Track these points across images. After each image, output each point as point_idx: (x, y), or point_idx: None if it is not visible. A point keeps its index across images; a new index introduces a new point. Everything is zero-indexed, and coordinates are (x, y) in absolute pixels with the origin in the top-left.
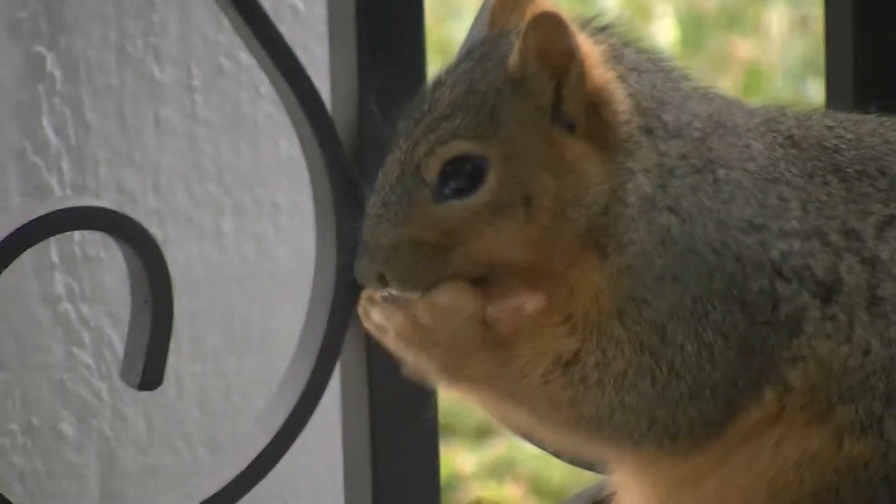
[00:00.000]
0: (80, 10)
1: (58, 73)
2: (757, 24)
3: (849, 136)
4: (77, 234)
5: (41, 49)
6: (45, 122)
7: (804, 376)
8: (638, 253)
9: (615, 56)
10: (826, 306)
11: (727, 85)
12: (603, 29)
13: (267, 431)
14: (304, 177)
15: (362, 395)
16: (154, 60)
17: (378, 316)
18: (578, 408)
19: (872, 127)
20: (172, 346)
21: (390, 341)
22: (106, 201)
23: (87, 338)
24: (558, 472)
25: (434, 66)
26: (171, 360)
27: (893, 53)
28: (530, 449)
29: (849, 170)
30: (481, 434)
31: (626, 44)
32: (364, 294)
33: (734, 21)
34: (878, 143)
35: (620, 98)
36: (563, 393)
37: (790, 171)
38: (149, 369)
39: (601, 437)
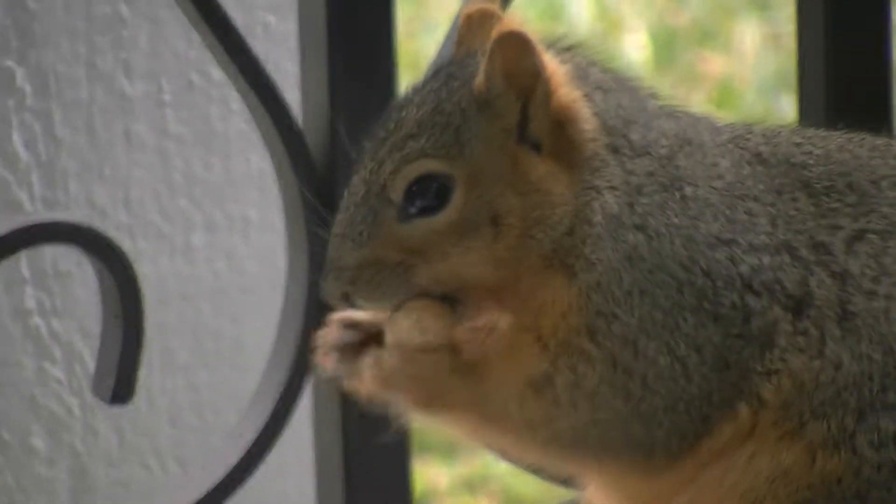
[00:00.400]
0: (50, 25)
1: (28, 88)
2: (729, 40)
3: (817, 152)
4: (48, 249)
5: (11, 63)
6: (15, 136)
7: (777, 391)
8: (605, 270)
9: (581, 75)
10: (797, 320)
11: (699, 100)
12: (568, 49)
13: (238, 446)
14: (274, 192)
15: (334, 409)
16: (124, 75)
17: (342, 364)
18: (554, 427)
19: (841, 143)
20: (143, 360)
21: (360, 385)
22: (76, 216)
23: (58, 352)
24: (532, 487)
25: (406, 82)
26: (143, 375)
27: (866, 69)
28: (504, 464)
29: (817, 185)
30: (454, 449)
31: (591, 63)
32: (320, 341)
33: (706, 36)
34: (847, 159)
35: (586, 117)
36: (537, 414)
37: (758, 188)
38: (120, 384)
39: (578, 453)
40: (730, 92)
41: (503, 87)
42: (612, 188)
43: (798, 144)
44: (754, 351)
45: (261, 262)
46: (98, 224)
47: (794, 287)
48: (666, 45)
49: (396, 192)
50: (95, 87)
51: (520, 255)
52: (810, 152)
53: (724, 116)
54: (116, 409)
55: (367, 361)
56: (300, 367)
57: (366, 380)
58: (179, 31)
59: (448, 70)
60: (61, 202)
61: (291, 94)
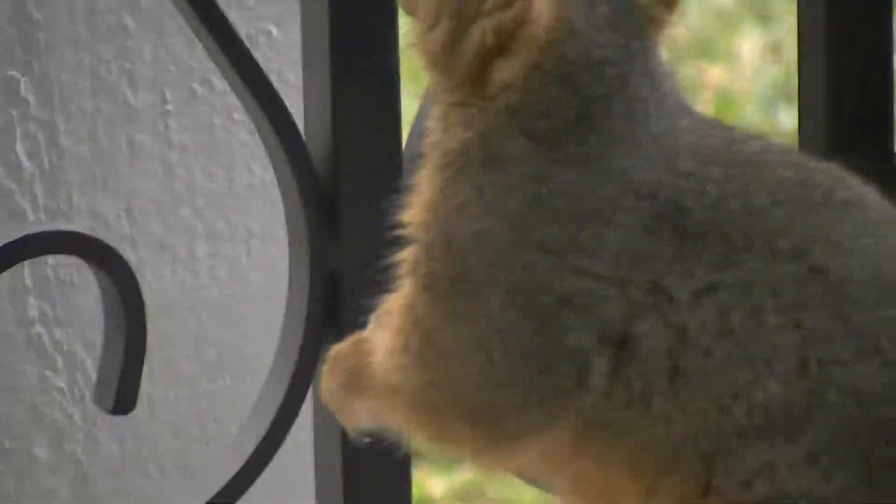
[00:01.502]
0: (54, 35)
1: (31, 98)
2: (729, 51)
3: (713, 195)
4: (51, 258)
5: (15, 73)
6: (19, 146)
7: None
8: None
9: None
10: (618, 365)
11: (699, 111)
12: None
13: (239, 456)
14: (277, 202)
15: (335, 420)
16: (128, 85)
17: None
18: (412, 388)
19: (739, 190)
20: (145, 370)
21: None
22: (79, 226)
23: (60, 361)
24: (528, 496)
25: (408, 94)
26: (145, 384)
27: (867, 81)
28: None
29: (692, 230)
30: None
31: None
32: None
33: (706, 47)
34: (737, 209)
35: None
36: (395, 376)
37: (625, 218)
38: (122, 393)
39: (448, 419)
40: (729, 103)
41: None
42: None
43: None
44: (570, 370)
45: (263, 273)
46: (101, 234)
47: (613, 323)
48: (666, 57)
49: None
50: (99, 97)
51: None
52: (705, 193)
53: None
54: (118, 419)
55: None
56: (301, 377)
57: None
58: (183, 41)
59: None
60: (64, 212)
61: (294, 105)
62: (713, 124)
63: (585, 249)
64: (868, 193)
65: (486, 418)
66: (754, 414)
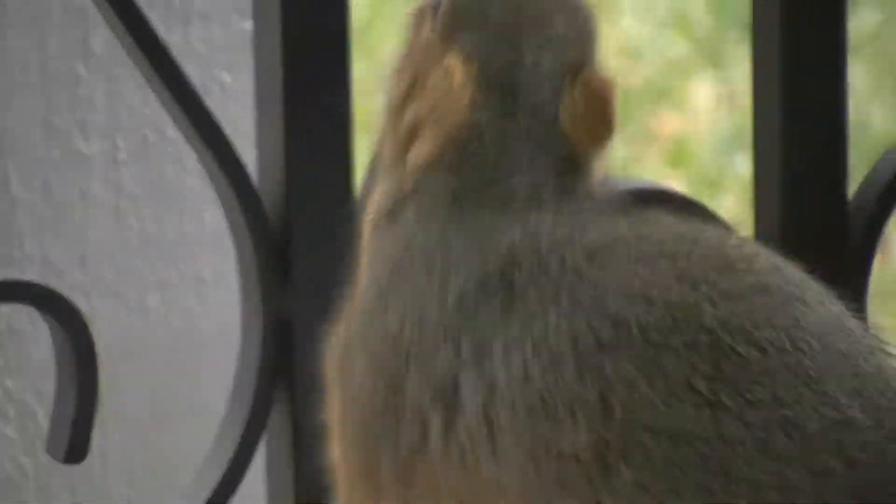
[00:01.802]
0: (5, 83)
1: None
2: (684, 99)
3: (543, 252)
4: (2, 308)
5: None
6: None
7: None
8: None
9: None
10: (449, 428)
11: (655, 159)
12: None
13: None
14: (229, 250)
15: (287, 469)
16: (80, 133)
17: None
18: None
19: (560, 246)
20: (98, 418)
21: None
22: (31, 274)
23: (11, 411)
24: None
25: (361, 142)
26: (97, 433)
27: (821, 127)
28: None
29: (519, 286)
30: None
31: None
32: None
33: (661, 95)
34: (555, 265)
35: None
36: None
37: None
38: (74, 442)
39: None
40: (685, 151)
41: None
42: None
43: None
44: (415, 429)
45: (215, 322)
46: (53, 283)
47: (444, 377)
48: (622, 105)
49: None
50: (52, 145)
51: None
52: (538, 249)
53: (678, 175)
54: (71, 468)
55: None
56: (255, 425)
57: None
58: (135, 89)
59: None
60: (17, 260)
61: (247, 152)
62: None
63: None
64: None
65: (362, 473)
66: (567, 465)
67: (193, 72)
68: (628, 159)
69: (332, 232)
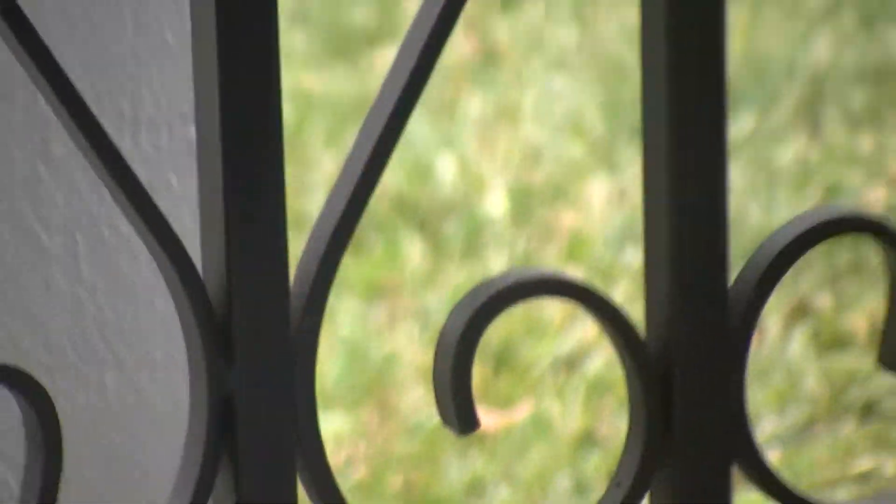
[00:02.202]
0: None
1: None
2: (580, 196)
3: None
4: None
5: None
6: None
7: None
8: None
9: None
10: None
11: (553, 252)
12: None
13: None
14: (178, 334)
15: None
16: (43, 229)
17: None
18: None
19: None
20: (62, 488)
21: None
22: (2, 356)
23: None
24: None
25: (293, 237)
26: (61, 496)
27: (704, 223)
28: None
29: None
30: None
31: None
32: None
33: (559, 193)
34: None
35: None
36: None
37: None
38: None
39: None
40: (581, 244)
41: None
42: None
43: None
44: None
45: (166, 398)
46: (22, 364)
47: None
48: (523, 202)
49: None
50: (18, 241)
51: None
52: None
53: (575, 266)
54: None
55: None
56: (202, 490)
57: None
58: (92, 190)
59: None
60: None
61: (193, 247)
62: None
63: None
64: None
65: None
66: None
67: (143, 174)
68: (530, 252)
69: (269, 316)
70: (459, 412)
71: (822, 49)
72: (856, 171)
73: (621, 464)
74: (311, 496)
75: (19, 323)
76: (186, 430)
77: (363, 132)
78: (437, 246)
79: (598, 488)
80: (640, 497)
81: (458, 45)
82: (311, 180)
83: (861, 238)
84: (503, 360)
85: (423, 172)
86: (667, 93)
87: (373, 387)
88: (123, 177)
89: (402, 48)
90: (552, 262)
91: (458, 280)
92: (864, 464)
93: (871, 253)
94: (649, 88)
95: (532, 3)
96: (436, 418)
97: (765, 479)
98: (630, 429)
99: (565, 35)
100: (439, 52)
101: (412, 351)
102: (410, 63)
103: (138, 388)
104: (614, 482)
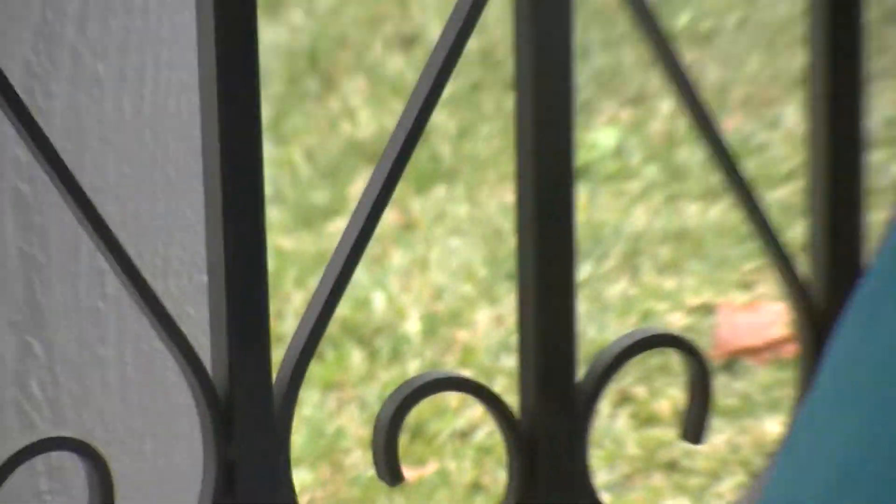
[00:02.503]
0: None
1: None
2: (470, 320)
3: None
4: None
5: None
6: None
7: None
8: None
9: None
10: None
11: (452, 360)
12: None
13: None
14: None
15: None
16: (99, 342)
17: None
18: None
19: None
20: None
21: None
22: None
23: None
24: None
25: (274, 350)
26: None
27: (555, 332)
28: None
29: None
30: None
31: None
32: None
33: (456, 318)
34: None
35: None
36: None
37: None
38: None
39: None
40: (470, 354)
41: None
42: None
43: None
44: None
45: (186, 465)
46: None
47: None
48: (431, 325)
49: None
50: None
51: None
52: None
53: (467, 371)
54: None
55: None
56: None
57: None
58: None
59: None
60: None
61: (206, 358)
62: None
63: None
64: None
65: None
66: None
67: (169, 304)
68: (435, 360)
69: (258, 404)
70: (389, 469)
71: (639, 219)
72: (663, 303)
73: None
74: None
75: (87, 409)
76: (200, 491)
77: (322, 281)
78: (372, 355)
79: None
80: None
81: (387, 217)
82: (286, 310)
83: (666, 349)
84: (417, 432)
85: (362, 304)
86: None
87: (327, 451)
88: (137, 283)
89: (350, 221)
90: (451, 366)
91: (387, 379)
92: None
93: (673, 359)
94: None
95: (438, 188)
96: (372, 472)
97: None
98: (508, 482)
99: (461, 210)
100: (375, 224)
101: (355, 427)
102: (355, 232)
103: (167, 455)
104: None
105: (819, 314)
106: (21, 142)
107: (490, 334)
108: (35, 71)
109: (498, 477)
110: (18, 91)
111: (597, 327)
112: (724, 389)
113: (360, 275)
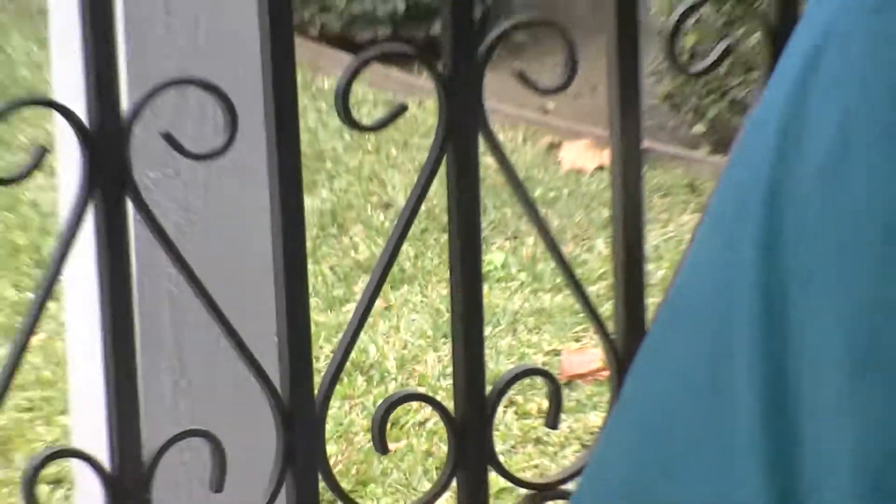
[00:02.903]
0: None
1: None
2: (425, 359)
3: None
4: None
5: None
6: None
7: None
8: None
9: None
10: None
11: (413, 383)
12: None
13: None
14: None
15: None
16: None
17: None
18: None
19: None
20: None
21: None
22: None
23: None
24: None
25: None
26: None
27: (481, 374)
28: None
29: None
30: None
31: None
32: None
33: (416, 358)
34: None
35: None
36: None
37: None
38: None
39: None
40: (424, 380)
41: None
42: None
43: None
44: None
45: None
46: None
47: None
48: (401, 363)
49: None
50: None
51: None
52: None
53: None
54: None
55: None
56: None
57: None
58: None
59: None
60: None
61: (275, 376)
62: None
63: None
64: None
65: None
66: None
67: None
68: (404, 383)
69: (308, 405)
70: (381, 444)
71: (516, 303)
72: (531, 350)
73: (442, 473)
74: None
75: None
76: (273, 458)
77: (342, 339)
78: (368, 380)
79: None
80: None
81: (377, 303)
82: (320, 354)
83: (534, 376)
84: (395, 423)
85: (363, 351)
86: None
87: (344, 433)
88: (243, 347)
89: (356, 306)
90: (413, 386)
91: (377, 394)
92: None
93: (538, 381)
94: None
95: (404, 286)
96: (370, 445)
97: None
98: (448, 451)
99: (417, 299)
100: (371, 308)
101: (360, 420)
102: (359, 312)
103: (256, 439)
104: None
105: (620, 354)
106: None
107: (436, 368)
108: None
109: (441, 448)
110: None
111: (495, 363)
112: (567, 398)
113: (362, 335)
